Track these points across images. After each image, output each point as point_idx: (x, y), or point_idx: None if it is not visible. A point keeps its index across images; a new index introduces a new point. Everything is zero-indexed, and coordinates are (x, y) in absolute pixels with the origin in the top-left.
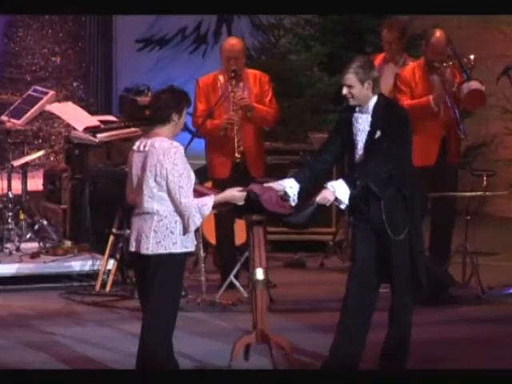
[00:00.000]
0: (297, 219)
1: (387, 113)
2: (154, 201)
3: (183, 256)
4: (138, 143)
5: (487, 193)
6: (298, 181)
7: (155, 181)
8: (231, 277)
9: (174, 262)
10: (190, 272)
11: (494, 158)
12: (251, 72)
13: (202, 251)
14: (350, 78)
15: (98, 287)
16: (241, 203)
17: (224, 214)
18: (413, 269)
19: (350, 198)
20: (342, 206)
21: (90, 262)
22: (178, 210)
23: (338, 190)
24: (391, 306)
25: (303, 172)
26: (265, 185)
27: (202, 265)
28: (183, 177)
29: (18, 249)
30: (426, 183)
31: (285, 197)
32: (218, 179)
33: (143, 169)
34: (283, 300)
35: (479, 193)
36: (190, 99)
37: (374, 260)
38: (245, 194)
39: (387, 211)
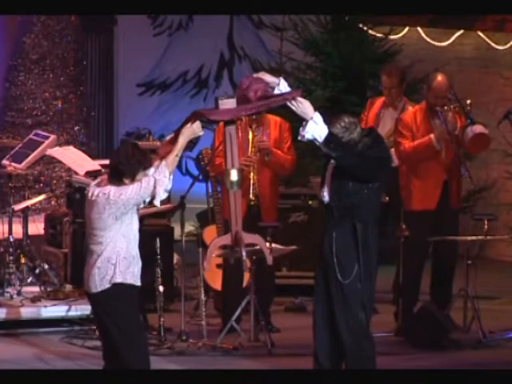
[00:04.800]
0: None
1: None
2: (97, 239)
3: (126, 286)
4: (90, 191)
5: (488, 237)
6: None
7: (107, 220)
8: (232, 321)
9: (119, 293)
10: (190, 316)
11: (495, 202)
12: (272, 117)
13: (203, 295)
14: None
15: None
16: (201, 133)
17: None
18: (360, 316)
19: (315, 143)
20: (301, 137)
21: (90, 306)
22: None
23: (318, 126)
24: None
25: None
26: None
27: (203, 309)
28: (129, 189)
29: (18, 293)
30: (426, 227)
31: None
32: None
33: (89, 216)
34: (284, 344)
35: (480, 237)
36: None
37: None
38: (198, 122)
39: (338, 250)
